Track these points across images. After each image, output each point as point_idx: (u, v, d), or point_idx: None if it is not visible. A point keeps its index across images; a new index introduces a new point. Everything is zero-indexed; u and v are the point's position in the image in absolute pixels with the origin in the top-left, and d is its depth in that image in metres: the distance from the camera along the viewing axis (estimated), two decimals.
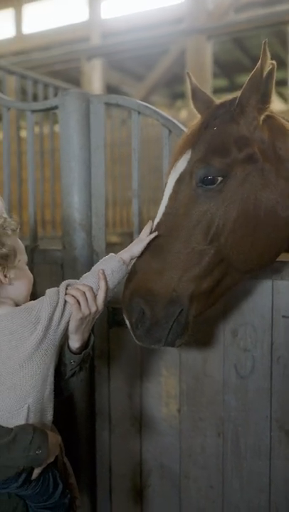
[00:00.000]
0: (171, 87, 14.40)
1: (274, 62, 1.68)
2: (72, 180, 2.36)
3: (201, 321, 2.12)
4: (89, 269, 1.80)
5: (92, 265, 1.84)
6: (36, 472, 1.65)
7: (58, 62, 11.80)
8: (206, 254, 1.70)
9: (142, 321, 1.72)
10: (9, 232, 1.65)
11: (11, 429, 1.59)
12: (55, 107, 2.42)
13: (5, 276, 1.63)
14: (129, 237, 4.74)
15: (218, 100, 1.93)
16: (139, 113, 2.31)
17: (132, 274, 1.77)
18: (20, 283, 1.70)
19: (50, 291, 1.68)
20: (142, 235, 1.79)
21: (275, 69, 1.68)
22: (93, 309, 1.69)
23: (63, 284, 1.70)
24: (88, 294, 1.67)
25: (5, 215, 1.74)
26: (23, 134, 5.63)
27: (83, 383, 2.34)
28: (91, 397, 2.44)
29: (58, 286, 1.70)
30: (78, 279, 1.78)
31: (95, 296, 1.70)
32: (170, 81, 12.30)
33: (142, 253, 1.77)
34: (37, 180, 4.16)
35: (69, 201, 2.37)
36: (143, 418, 2.34)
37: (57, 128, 5.69)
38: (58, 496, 1.72)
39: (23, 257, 1.73)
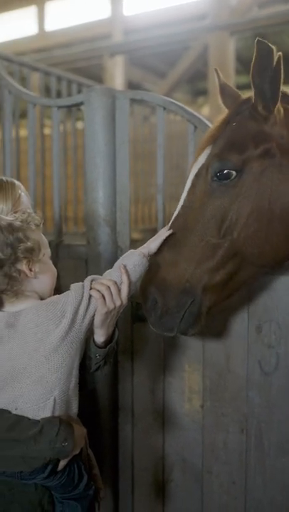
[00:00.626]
0: (192, 83, 14.33)
1: (280, 53, 1.62)
2: (97, 175, 2.37)
3: (225, 317, 2.14)
4: (113, 265, 1.82)
5: (116, 260, 1.85)
6: (62, 464, 1.67)
7: (80, 59, 11.83)
8: (219, 248, 1.72)
9: (155, 309, 1.79)
10: (33, 226, 1.68)
11: (38, 421, 1.61)
12: (81, 103, 2.44)
13: (30, 270, 1.66)
14: (151, 234, 4.75)
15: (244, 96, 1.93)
16: (164, 109, 2.31)
17: (150, 266, 1.81)
18: (45, 277, 1.73)
19: (75, 286, 1.70)
20: (162, 231, 1.83)
21: (281, 60, 1.62)
22: (118, 303, 1.71)
23: (88, 278, 1.72)
24: (113, 288, 1.69)
25: (29, 210, 1.77)
26: (46, 131, 5.67)
27: (107, 378, 2.36)
28: (114, 391, 2.46)
29: (82, 281, 1.72)
30: (102, 274, 1.80)
31: (119, 290, 1.71)
32: (192, 78, 12.24)
33: (160, 245, 1.81)
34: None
35: (94, 197, 2.38)
36: (166, 413, 2.35)
37: (79, 125, 5.74)
38: (82, 487, 1.75)
39: (47, 251, 1.75)
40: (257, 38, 1.61)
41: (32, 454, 1.58)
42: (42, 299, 1.73)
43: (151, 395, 2.38)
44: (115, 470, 2.49)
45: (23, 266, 1.64)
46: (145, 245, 1.82)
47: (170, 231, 1.80)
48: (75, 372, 1.71)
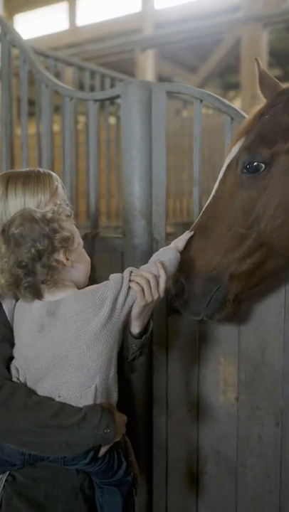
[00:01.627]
0: (223, 77, 14.20)
1: None
2: (133, 168, 2.39)
3: (261, 309, 2.13)
4: (149, 257, 1.85)
5: (152, 253, 1.88)
6: (103, 450, 1.71)
7: (111, 53, 11.85)
8: (246, 238, 1.76)
9: (182, 294, 1.86)
10: (64, 217, 1.72)
11: (81, 408, 1.64)
12: (117, 97, 2.46)
13: (67, 259, 1.69)
14: (183, 227, 4.75)
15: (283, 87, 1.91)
16: (201, 101, 2.31)
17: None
18: (81, 265, 1.77)
19: (114, 276, 1.72)
20: (185, 233, 1.88)
21: None
22: (156, 296, 1.73)
23: (127, 270, 1.75)
24: (152, 282, 1.71)
25: (59, 202, 1.80)
26: (78, 126, 5.70)
27: (142, 369, 2.38)
28: (149, 382, 2.48)
29: (117, 273, 1.74)
30: (138, 266, 1.82)
31: (157, 283, 1.73)
32: (222, 72, 12.13)
33: (193, 234, 1.86)
34: None
35: (130, 189, 2.40)
36: (200, 405, 2.36)
37: (111, 120, 5.76)
38: (121, 473, 1.79)
39: (80, 241, 1.79)
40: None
41: (75, 441, 1.62)
42: (78, 287, 1.76)
43: (186, 386, 2.39)
44: (150, 460, 2.52)
45: (60, 255, 1.67)
46: (172, 244, 1.86)
47: (190, 233, 1.86)
48: (114, 361, 1.74)
